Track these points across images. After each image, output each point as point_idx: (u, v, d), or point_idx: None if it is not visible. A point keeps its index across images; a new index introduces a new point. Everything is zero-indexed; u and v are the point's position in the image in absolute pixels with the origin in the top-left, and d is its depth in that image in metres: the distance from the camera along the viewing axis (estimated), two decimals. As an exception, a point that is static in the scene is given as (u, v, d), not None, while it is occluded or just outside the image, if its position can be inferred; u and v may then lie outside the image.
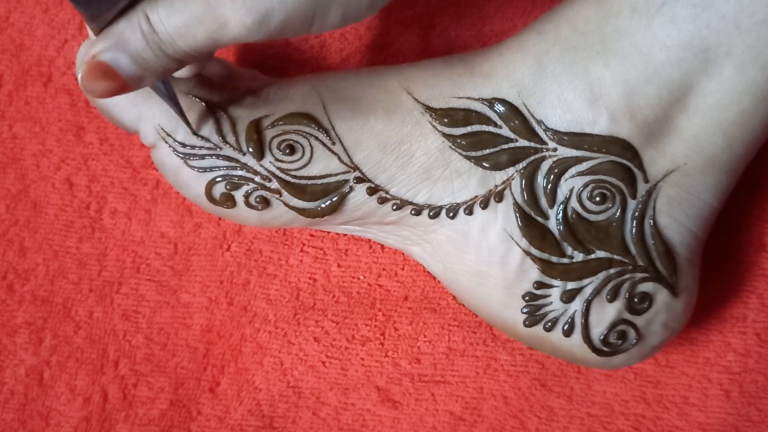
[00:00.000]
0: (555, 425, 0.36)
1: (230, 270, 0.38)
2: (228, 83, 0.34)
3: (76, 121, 0.39)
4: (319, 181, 0.32)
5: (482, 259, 0.32)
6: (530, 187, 0.31)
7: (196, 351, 0.37)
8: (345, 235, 0.38)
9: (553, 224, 0.31)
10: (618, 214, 0.31)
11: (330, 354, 0.37)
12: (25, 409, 0.37)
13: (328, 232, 0.38)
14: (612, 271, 0.31)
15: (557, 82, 0.30)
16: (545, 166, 0.31)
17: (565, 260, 0.31)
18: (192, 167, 0.32)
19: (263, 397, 0.37)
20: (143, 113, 0.32)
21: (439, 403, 0.36)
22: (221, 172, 0.32)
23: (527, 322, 0.32)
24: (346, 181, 0.32)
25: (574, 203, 0.31)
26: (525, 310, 0.32)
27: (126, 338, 0.38)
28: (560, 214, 0.31)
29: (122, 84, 0.27)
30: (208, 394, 0.37)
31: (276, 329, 0.37)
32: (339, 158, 0.32)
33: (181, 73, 0.33)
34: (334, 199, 0.32)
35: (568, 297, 0.31)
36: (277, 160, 0.32)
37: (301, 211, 0.32)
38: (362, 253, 0.38)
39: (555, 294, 0.32)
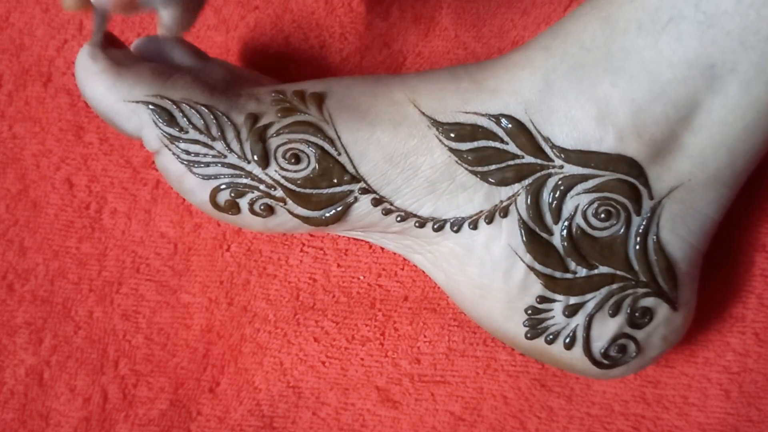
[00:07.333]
0: (555, 425, 0.36)
1: (230, 270, 0.38)
2: (230, 87, 0.34)
3: (76, 121, 0.39)
4: (324, 191, 0.32)
5: (485, 273, 0.32)
6: (536, 203, 0.31)
7: (196, 351, 0.37)
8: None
9: (558, 240, 0.31)
10: (622, 230, 0.31)
11: (330, 354, 0.37)
12: (25, 409, 0.37)
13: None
14: (614, 286, 0.31)
15: (564, 100, 0.30)
16: (551, 182, 0.31)
17: (569, 275, 0.31)
18: (196, 174, 0.32)
19: (263, 397, 0.37)
20: (145, 121, 0.32)
21: (439, 403, 0.36)
22: (226, 180, 0.32)
23: (529, 335, 0.32)
24: (351, 191, 0.32)
25: (579, 220, 0.31)
26: (527, 324, 0.32)
27: (126, 338, 0.38)
28: (565, 231, 0.31)
29: None
30: (208, 394, 0.37)
31: (276, 329, 0.37)
32: (344, 168, 0.32)
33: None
34: (339, 208, 0.32)
35: (571, 311, 0.32)
36: (282, 168, 0.32)
37: (306, 220, 0.32)
38: (362, 253, 0.38)
39: (557, 308, 0.32)
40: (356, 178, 0.32)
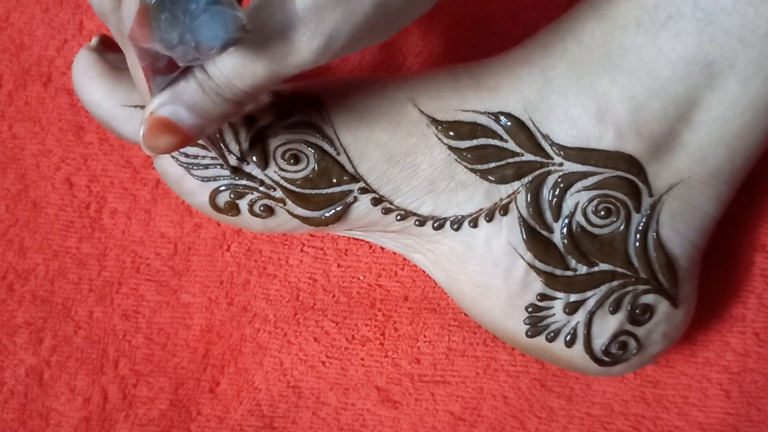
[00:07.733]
0: (555, 425, 0.36)
1: (230, 270, 0.38)
2: None
3: (76, 121, 0.39)
4: (324, 191, 0.32)
5: (486, 270, 0.32)
6: (536, 201, 0.31)
7: (196, 351, 0.37)
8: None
9: (558, 237, 0.31)
10: (622, 227, 0.31)
11: (330, 354, 0.37)
12: (25, 409, 0.37)
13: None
14: (615, 283, 0.31)
15: (564, 98, 0.30)
16: (551, 180, 0.31)
17: (569, 273, 0.31)
18: (195, 176, 0.32)
19: (263, 397, 0.37)
20: None
21: (439, 403, 0.36)
22: (225, 182, 0.32)
23: (529, 333, 0.32)
24: (351, 191, 0.32)
25: (578, 217, 0.31)
26: (527, 321, 0.32)
27: (126, 338, 0.38)
28: (565, 228, 0.31)
29: (184, 136, 0.26)
30: (208, 394, 0.37)
31: (276, 329, 0.37)
32: (344, 168, 0.32)
33: None
34: (339, 208, 0.32)
35: (571, 309, 0.32)
36: (281, 169, 0.32)
37: (305, 220, 0.32)
38: (362, 253, 0.38)
39: (558, 306, 0.32)
40: (355, 178, 0.32)
